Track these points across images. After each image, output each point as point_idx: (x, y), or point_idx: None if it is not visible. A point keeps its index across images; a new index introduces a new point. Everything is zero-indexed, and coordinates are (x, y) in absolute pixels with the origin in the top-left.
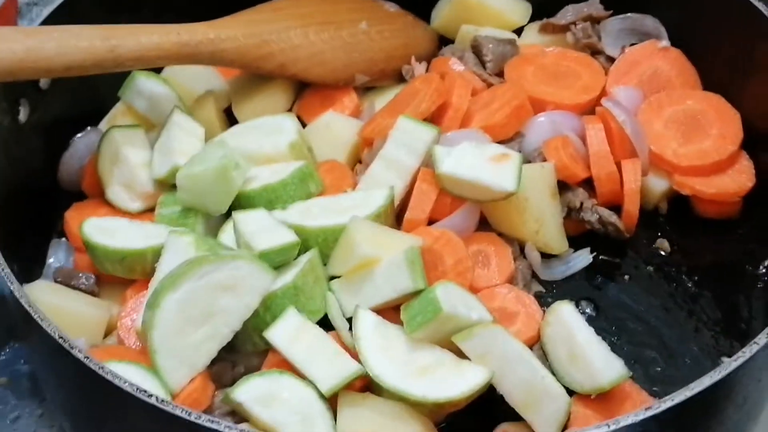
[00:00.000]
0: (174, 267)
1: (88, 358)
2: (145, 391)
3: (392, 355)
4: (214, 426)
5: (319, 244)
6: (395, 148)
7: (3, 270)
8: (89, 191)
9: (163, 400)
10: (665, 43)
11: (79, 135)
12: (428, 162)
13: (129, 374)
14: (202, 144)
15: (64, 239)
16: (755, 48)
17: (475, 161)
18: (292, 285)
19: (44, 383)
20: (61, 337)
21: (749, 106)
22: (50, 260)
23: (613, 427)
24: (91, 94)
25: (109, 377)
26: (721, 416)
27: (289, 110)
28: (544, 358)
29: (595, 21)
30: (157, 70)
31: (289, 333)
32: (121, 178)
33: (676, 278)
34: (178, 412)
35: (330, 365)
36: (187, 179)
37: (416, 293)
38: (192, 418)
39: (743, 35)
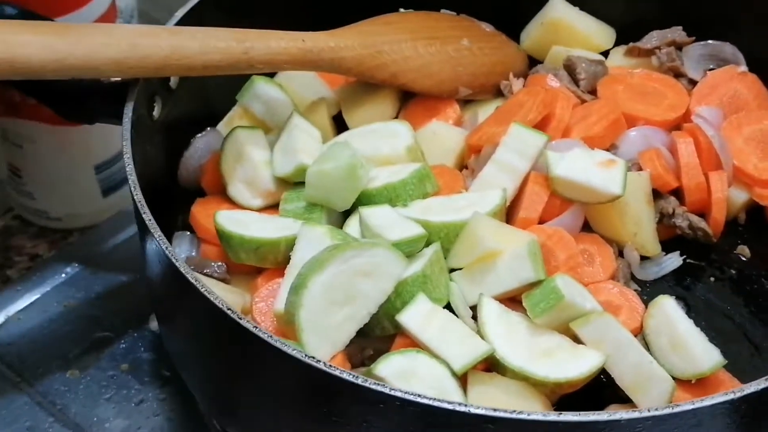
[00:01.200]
0: (309, 255)
1: (256, 327)
2: (313, 357)
3: (516, 339)
4: (379, 388)
5: (441, 238)
6: (507, 152)
7: (167, 248)
8: (208, 188)
9: (330, 365)
10: (743, 68)
11: (199, 135)
12: (535, 166)
13: None
14: (320, 145)
15: (187, 232)
16: None
17: (586, 166)
18: (422, 273)
19: (183, 362)
20: (229, 309)
21: None
22: (175, 251)
23: (738, 395)
24: (207, 97)
25: (278, 345)
26: None
27: (395, 118)
28: (646, 347)
29: (678, 46)
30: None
31: (421, 317)
32: (244, 176)
33: (757, 281)
34: (345, 376)
35: (461, 346)
36: (316, 176)
37: (535, 284)
38: (359, 381)
39: None
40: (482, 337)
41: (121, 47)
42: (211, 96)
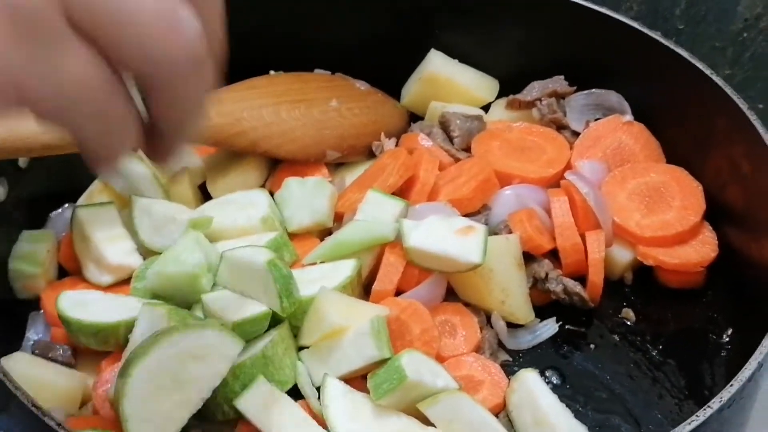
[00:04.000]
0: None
1: (60, 425)
2: None
3: (360, 423)
4: None
5: (289, 315)
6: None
7: None
8: (66, 266)
9: None
10: (629, 117)
11: (55, 212)
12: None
13: None
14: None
15: (42, 312)
16: (716, 121)
17: (442, 234)
18: (261, 355)
19: None
20: (35, 406)
21: (711, 178)
22: (29, 333)
23: None
24: (69, 172)
25: None
26: None
27: (262, 186)
28: (510, 425)
29: (560, 97)
30: None
31: (259, 402)
32: (91, 255)
33: (641, 347)
34: None
35: None
36: (158, 277)
37: (383, 362)
38: None
39: (704, 109)
40: (325, 420)
41: None
42: (75, 170)
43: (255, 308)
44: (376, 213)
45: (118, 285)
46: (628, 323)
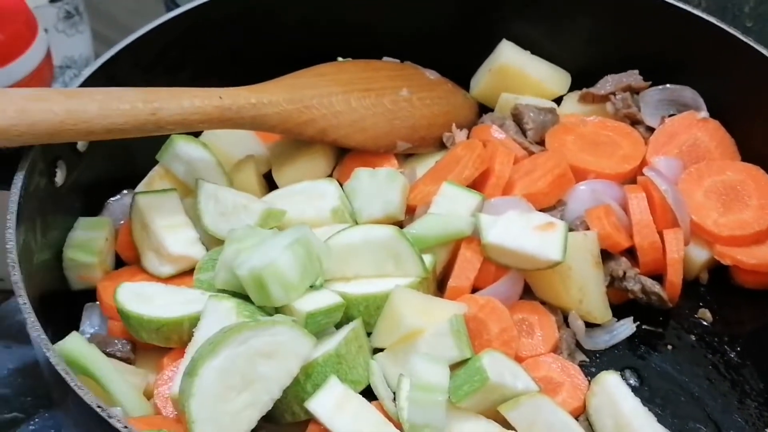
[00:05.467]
0: (213, 332)
1: (127, 428)
2: None
3: None
4: None
5: (362, 312)
6: None
7: (39, 336)
8: (124, 255)
9: None
10: (704, 114)
11: (113, 198)
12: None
13: None
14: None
15: (98, 302)
16: None
17: (521, 230)
18: (335, 353)
19: None
20: (99, 406)
21: None
22: (84, 326)
23: None
24: (128, 157)
25: None
26: None
27: (330, 175)
28: (590, 429)
29: (634, 91)
30: (196, 134)
31: (332, 403)
32: (151, 244)
33: (719, 348)
34: None
35: None
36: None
37: (462, 362)
38: None
39: None
40: (401, 422)
41: (8, 114)
42: (135, 155)
43: (330, 298)
44: (452, 207)
45: (179, 276)
46: (705, 324)
